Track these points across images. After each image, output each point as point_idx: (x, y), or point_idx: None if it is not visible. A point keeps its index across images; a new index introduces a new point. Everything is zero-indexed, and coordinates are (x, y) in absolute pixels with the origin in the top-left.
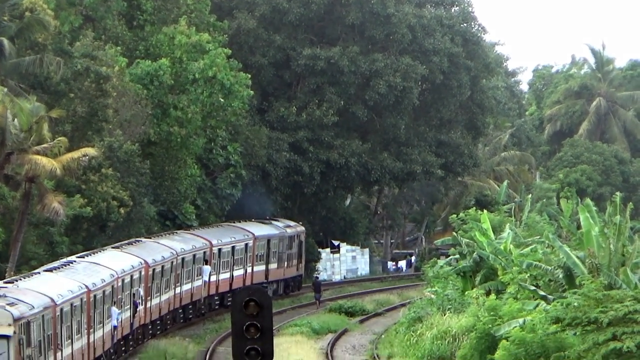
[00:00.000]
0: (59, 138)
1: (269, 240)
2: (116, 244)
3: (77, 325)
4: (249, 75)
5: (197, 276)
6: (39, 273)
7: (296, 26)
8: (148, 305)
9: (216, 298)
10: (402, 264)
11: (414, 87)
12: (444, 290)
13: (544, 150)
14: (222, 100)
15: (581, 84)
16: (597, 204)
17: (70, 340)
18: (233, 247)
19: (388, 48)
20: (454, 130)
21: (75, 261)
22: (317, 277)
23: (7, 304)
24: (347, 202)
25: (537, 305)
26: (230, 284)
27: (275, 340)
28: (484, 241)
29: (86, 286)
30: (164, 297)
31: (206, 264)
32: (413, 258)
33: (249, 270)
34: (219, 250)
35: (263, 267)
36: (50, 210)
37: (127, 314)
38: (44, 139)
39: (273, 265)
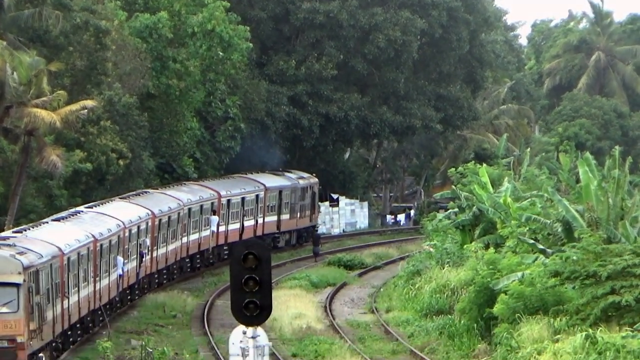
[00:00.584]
0: (59, 91)
1: (280, 192)
2: (124, 195)
3: (83, 273)
4: (248, 28)
5: (204, 226)
6: (47, 223)
7: None
8: (155, 254)
9: (225, 248)
10: (401, 217)
11: (413, 41)
12: (442, 243)
13: (543, 105)
14: (221, 53)
15: (580, 38)
16: (596, 158)
17: (77, 288)
18: (243, 198)
19: (387, 2)
20: (453, 84)
21: (82, 211)
22: (316, 230)
23: (17, 253)
24: (346, 155)
25: (536, 259)
26: (240, 234)
27: (274, 294)
28: (483, 195)
29: (93, 236)
30: (171, 246)
31: (214, 214)
32: (412, 212)
33: (260, 220)
34: (228, 201)
35: (275, 218)
36: (48, 163)
37: (134, 263)
38: (43, 93)
39: (285, 216)
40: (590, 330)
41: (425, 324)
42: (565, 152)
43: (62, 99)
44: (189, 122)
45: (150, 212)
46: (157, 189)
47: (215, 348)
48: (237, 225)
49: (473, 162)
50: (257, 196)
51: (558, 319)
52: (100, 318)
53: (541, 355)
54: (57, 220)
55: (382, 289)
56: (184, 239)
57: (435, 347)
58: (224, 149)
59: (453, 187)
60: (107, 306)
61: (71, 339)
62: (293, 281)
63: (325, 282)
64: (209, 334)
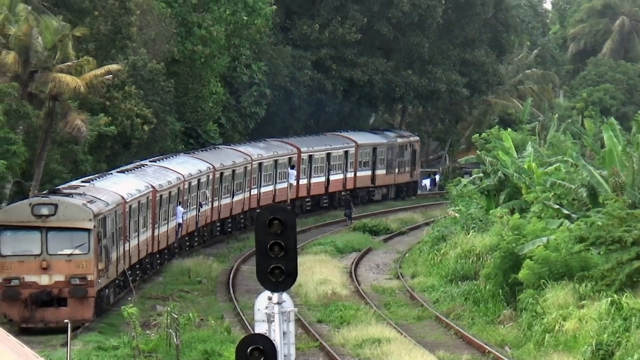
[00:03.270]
0: (85, 57)
1: (375, 148)
2: (191, 151)
3: (143, 220)
4: None
5: (280, 180)
6: (112, 174)
7: None
8: (216, 205)
9: (307, 200)
10: (426, 182)
11: (437, 5)
12: (467, 209)
13: (567, 69)
14: (245, 18)
15: (604, 2)
16: (620, 123)
17: (137, 233)
18: (329, 154)
19: None
20: (478, 48)
21: (146, 164)
22: (348, 194)
23: (87, 202)
24: (371, 120)
25: (561, 224)
26: (326, 187)
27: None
28: (507, 160)
29: (153, 187)
30: (236, 198)
31: (292, 169)
32: (437, 176)
33: (350, 175)
34: (310, 156)
35: (369, 173)
36: (73, 127)
37: (193, 212)
38: (68, 57)
39: (381, 171)
40: (615, 295)
41: (450, 290)
42: (590, 117)
43: (89, 65)
44: (214, 88)
45: (211, 166)
46: (230, 145)
47: (241, 314)
48: (322, 179)
49: (497, 127)
50: (346, 152)
51: (583, 284)
52: (130, 279)
53: (566, 321)
54: (122, 172)
55: (407, 255)
56: (253, 191)
57: (460, 313)
58: (249, 114)
59: (477, 152)
60: (165, 251)
61: (130, 278)
62: (318, 246)
63: (350, 248)
64: (234, 300)
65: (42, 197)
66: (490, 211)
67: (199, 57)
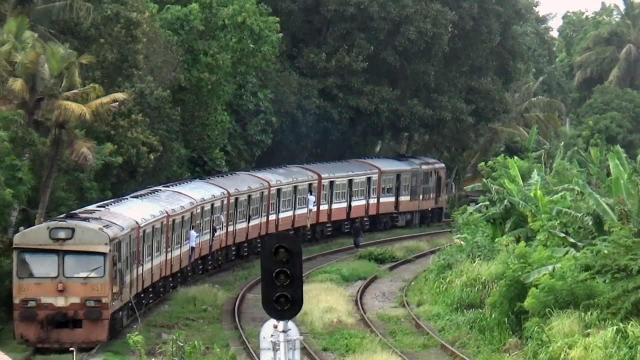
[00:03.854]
0: (92, 84)
1: (398, 175)
2: (207, 177)
3: (157, 244)
4: (278, 19)
5: (300, 205)
6: (127, 199)
7: None
8: (231, 229)
9: (328, 225)
10: None
11: (443, 33)
12: (473, 237)
13: (574, 97)
14: (251, 45)
15: (611, 30)
16: (627, 151)
17: (150, 257)
18: (350, 180)
19: None
20: (484, 76)
21: (160, 190)
22: (356, 222)
23: (103, 226)
24: (377, 148)
25: (567, 252)
26: (348, 213)
27: (305, 287)
28: (513, 188)
29: (166, 212)
30: (253, 222)
31: (312, 194)
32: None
33: (373, 201)
34: (331, 182)
35: (392, 199)
36: (79, 155)
37: (207, 236)
38: (74, 85)
39: (405, 197)
40: (621, 324)
41: (456, 318)
42: (596, 145)
43: (95, 92)
44: (220, 115)
45: (226, 191)
46: (249, 171)
47: (246, 342)
48: (344, 205)
49: (503, 155)
50: (368, 178)
51: (589, 313)
52: (132, 312)
53: (572, 350)
54: (136, 197)
55: (412, 283)
56: (271, 216)
57: (466, 341)
58: (256, 142)
59: (484, 180)
60: (179, 275)
61: (144, 301)
62: (324, 275)
63: (356, 276)
64: (239, 328)
65: (60, 221)
66: (496, 239)
67: (206, 84)
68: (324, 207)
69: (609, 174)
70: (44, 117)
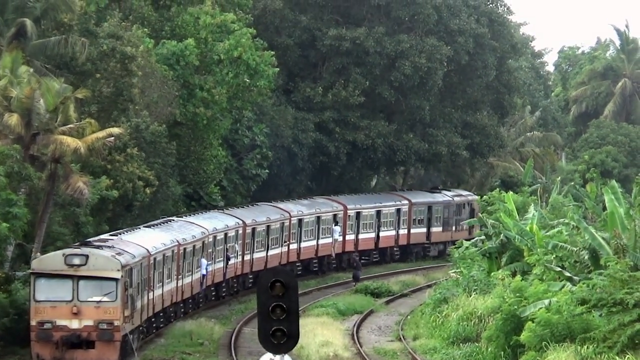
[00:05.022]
0: (88, 119)
1: (429, 207)
2: (226, 208)
3: (167, 272)
4: (273, 53)
5: (324, 235)
6: (140, 228)
7: (322, 6)
8: (248, 258)
9: (356, 254)
10: None
11: (439, 68)
12: (469, 271)
13: (569, 132)
14: (247, 80)
15: (606, 65)
16: (623, 185)
17: (161, 284)
18: (378, 211)
19: (413, 29)
20: (480, 111)
21: (173, 220)
22: (356, 255)
23: (116, 254)
24: (373, 182)
25: (563, 287)
26: (376, 243)
27: (301, 321)
28: (509, 222)
29: (177, 241)
30: (272, 252)
31: (336, 224)
32: None
33: (403, 231)
34: (357, 213)
35: (424, 230)
36: (75, 190)
37: (220, 265)
38: (70, 120)
39: (437, 229)
40: (617, 358)
41: (452, 352)
42: (592, 179)
43: (91, 127)
44: (216, 150)
45: (241, 221)
46: (271, 202)
47: None
48: (372, 235)
49: (499, 189)
50: (398, 210)
51: (585, 346)
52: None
53: None
54: (149, 226)
55: (409, 317)
56: (292, 246)
57: None
58: (252, 176)
59: (479, 214)
60: (190, 300)
61: (154, 325)
62: (320, 309)
63: (352, 310)
64: None
65: (75, 248)
66: (492, 273)
67: (201, 119)
68: (350, 236)
69: (604, 209)
70: (39, 152)
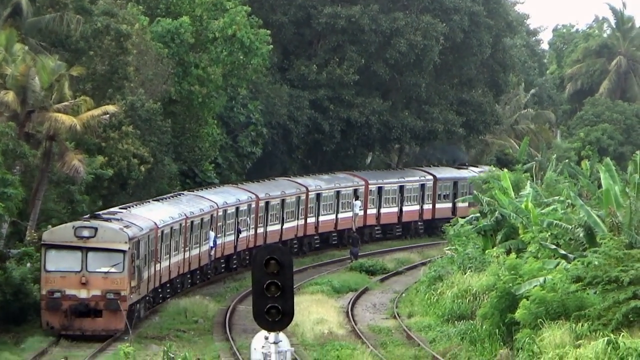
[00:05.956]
0: (82, 97)
1: (455, 182)
2: (241, 182)
3: (175, 244)
4: (269, 31)
5: (344, 209)
6: (149, 202)
7: None
8: (260, 231)
9: (377, 229)
10: None
11: (434, 46)
12: (464, 249)
13: (564, 109)
14: (242, 58)
15: (601, 42)
16: (618, 163)
17: (168, 256)
18: (401, 186)
19: (409, 6)
20: (475, 88)
21: (183, 194)
22: (354, 232)
23: (124, 226)
24: (368, 160)
25: (558, 264)
26: (399, 217)
27: (296, 299)
28: (504, 200)
29: (185, 214)
30: (287, 225)
31: (357, 199)
32: None
33: (428, 206)
34: (379, 188)
35: (449, 205)
36: (70, 168)
37: (230, 237)
38: (65, 97)
39: (463, 204)
40: (612, 335)
41: (447, 330)
42: (588, 157)
43: (85, 105)
44: (211, 128)
45: (254, 195)
46: (289, 177)
47: (237, 354)
48: (394, 209)
49: (493, 166)
50: (422, 185)
51: (580, 324)
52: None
53: None
54: (158, 200)
55: (403, 294)
56: (310, 219)
57: (457, 353)
58: (246, 154)
59: (475, 192)
60: (198, 272)
61: (161, 295)
62: (315, 286)
63: (347, 288)
64: (230, 340)
65: (84, 220)
66: (487, 251)
67: (196, 97)
68: (372, 211)
69: (600, 186)
70: (34, 130)
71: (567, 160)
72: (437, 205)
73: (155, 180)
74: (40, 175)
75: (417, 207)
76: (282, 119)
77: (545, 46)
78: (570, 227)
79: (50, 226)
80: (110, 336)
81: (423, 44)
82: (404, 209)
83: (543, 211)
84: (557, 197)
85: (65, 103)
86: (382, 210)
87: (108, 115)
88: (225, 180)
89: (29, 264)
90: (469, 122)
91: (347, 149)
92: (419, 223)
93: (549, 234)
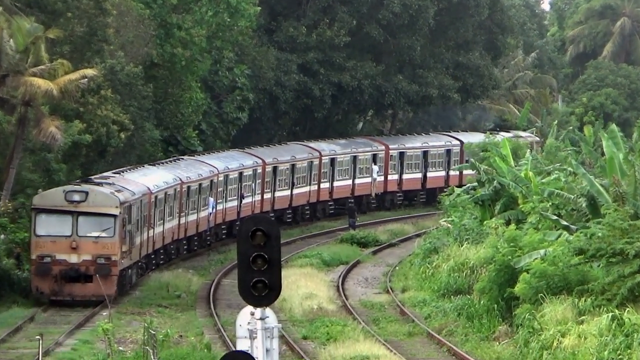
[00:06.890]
0: (60, 60)
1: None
2: (249, 147)
3: (169, 209)
4: None
5: (362, 175)
6: (144, 166)
7: None
8: (268, 197)
9: (399, 195)
10: None
11: (429, 6)
12: (461, 219)
13: (566, 73)
14: (227, 19)
15: (604, 3)
16: (623, 129)
17: (162, 221)
18: (425, 152)
19: None
20: (472, 51)
21: (182, 158)
22: (351, 203)
23: (115, 191)
24: (359, 126)
25: (559, 236)
26: (423, 183)
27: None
28: (503, 168)
29: (180, 179)
30: (298, 190)
31: (375, 164)
32: None
33: (455, 172)
34: (401, 153)
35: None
36: (47, 135)
37: (233, 203)
38: (41, 61)
39: None
40: (616, 311)
41: (442, 305)
42: (591, 123)
43: (63, 68)
44: (194, 92)
45: (260, 160)
46: (303, 141)
47: (222, 330)
48: (418, 175)
49: (490, 133)
50: (447, 150)
51: (582, 299)
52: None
53: (565, 337)
54: (153, 164)
55: (397, 268)
56: (323, 185)
57: (453, 329)
58: (232, 120)
59: (472, 159)
60: (196, 237)
61: (154, 261)
62: (304, 259)
63: (337, 261)
64: (215, 315)
65: (75, 184)
66: (485, 222)
67: (179, 60)
68: (393, 176)
69: (603, 154)
70: (9, 94)
71: (570, 128)
72: (465, 171)
73: (136, 147)
74: (15, 143)
75: (443, 173)
76: (270, 83)
77: (545, 6)
78: (573, 196)
79: (25, 196)
80: (100, 302)
81: (417, 4)
82: (429, 175)
83: (544, 180)
84: (558, 165)
85: (42, 67)
86: (405, 176)
87: (86, 80)
88: (210, 148)
89: (2, 236)
90: (465, 86)
91: (338, 114)
92: (445, 190)
93: (550, 204)
